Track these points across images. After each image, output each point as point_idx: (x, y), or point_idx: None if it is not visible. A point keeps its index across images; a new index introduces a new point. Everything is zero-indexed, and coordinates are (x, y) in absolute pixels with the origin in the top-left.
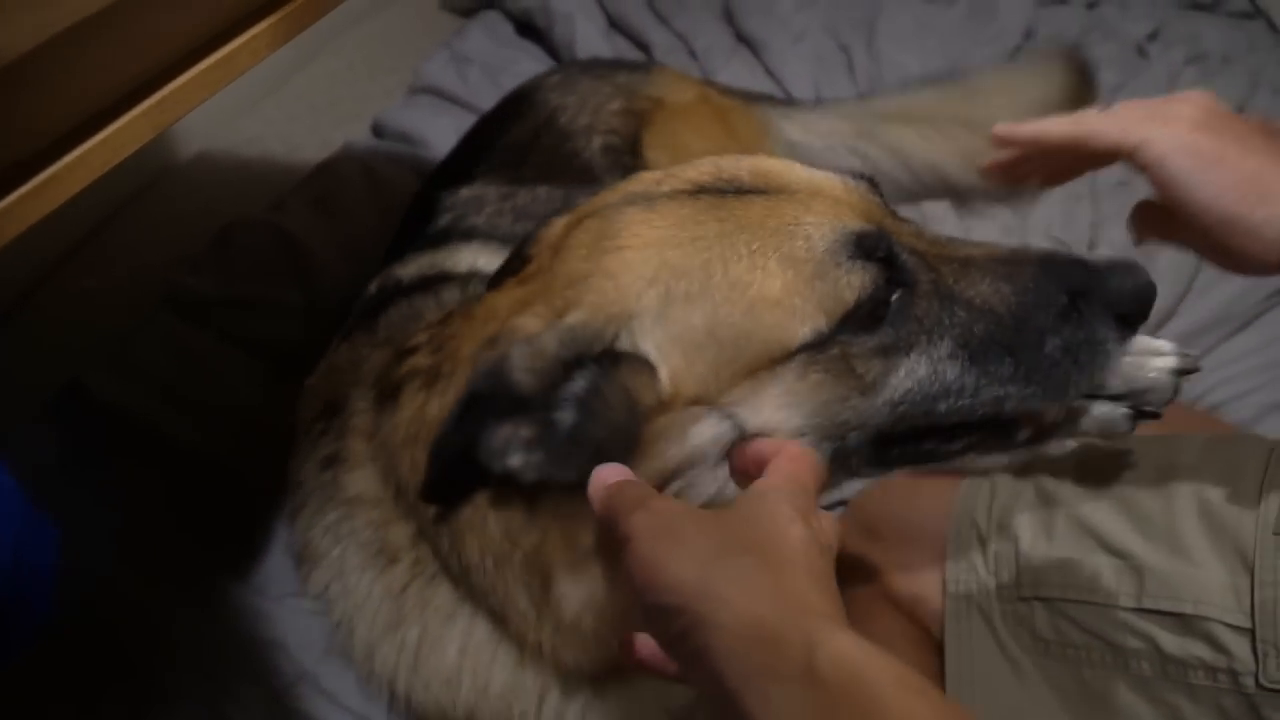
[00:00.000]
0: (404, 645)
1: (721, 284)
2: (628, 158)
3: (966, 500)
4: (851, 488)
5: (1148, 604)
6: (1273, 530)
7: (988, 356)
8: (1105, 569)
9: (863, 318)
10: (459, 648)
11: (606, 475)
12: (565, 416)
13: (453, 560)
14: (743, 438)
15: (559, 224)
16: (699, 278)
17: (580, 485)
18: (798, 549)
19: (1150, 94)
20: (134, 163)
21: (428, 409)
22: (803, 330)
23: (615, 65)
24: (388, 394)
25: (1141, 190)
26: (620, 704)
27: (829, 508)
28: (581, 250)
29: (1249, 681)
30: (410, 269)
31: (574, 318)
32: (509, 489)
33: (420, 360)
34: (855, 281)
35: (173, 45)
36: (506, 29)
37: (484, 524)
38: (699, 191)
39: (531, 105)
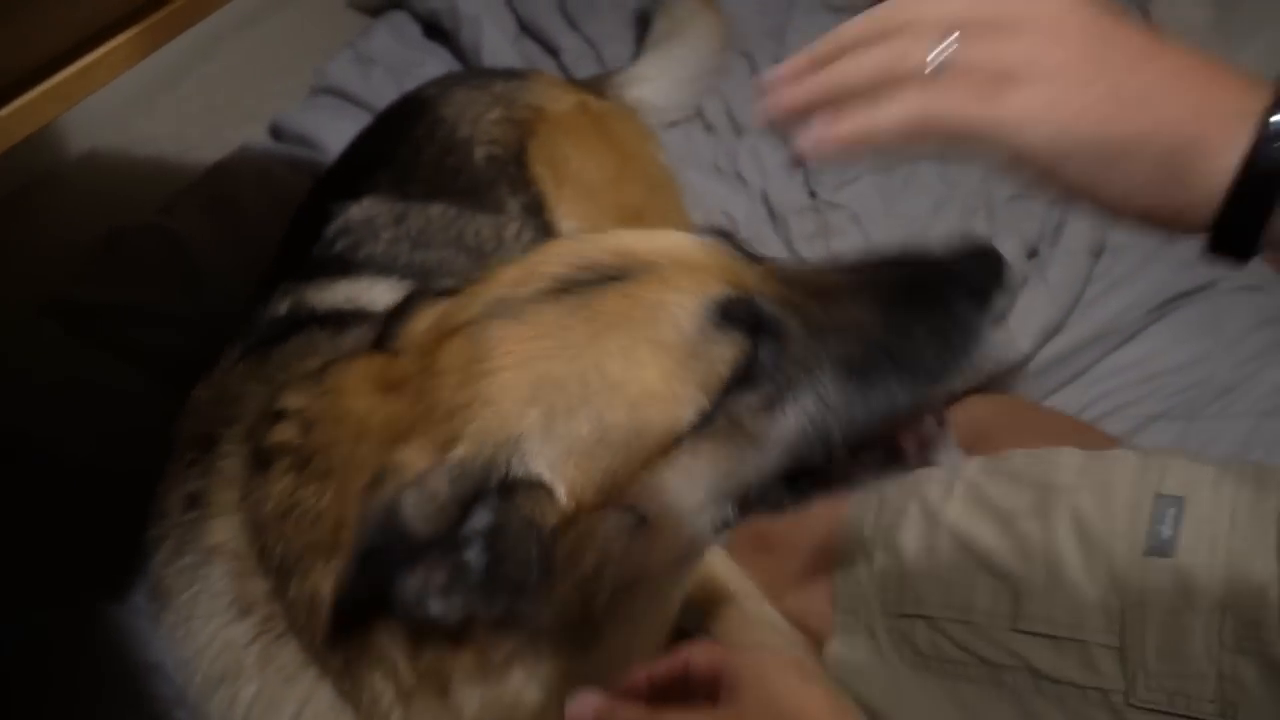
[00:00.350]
0: (236, 700)
1: (601, 389)
2: (513, 168)
3: (854, 516)
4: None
5: (1024, 626)
6: (1142, 552)
7: (868, 369)
8: (984, 589)
9: (740, 382)
10: (294, 713)
11: (587, 704)
12: (475, 556)
13: (306, 636)
14: (643, 524)
15: (425, 319)
16: (577, 388)
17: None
18: (825, 710)
19: None
20: (17, 161)
21: (300, 494)
22: (687, 414)
23: (492, 74)
24: (259, 459)
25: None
26: None
27: None
28: (454, 376)
29: (1119, 699)
30: (325, 297)
31: (459, 453)
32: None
33: (289, 434)
34: (727, 354)
35: (24, 57)
36: (414, 30)
37: (388, 653)
38: (562, 290)
39: (413, 118)
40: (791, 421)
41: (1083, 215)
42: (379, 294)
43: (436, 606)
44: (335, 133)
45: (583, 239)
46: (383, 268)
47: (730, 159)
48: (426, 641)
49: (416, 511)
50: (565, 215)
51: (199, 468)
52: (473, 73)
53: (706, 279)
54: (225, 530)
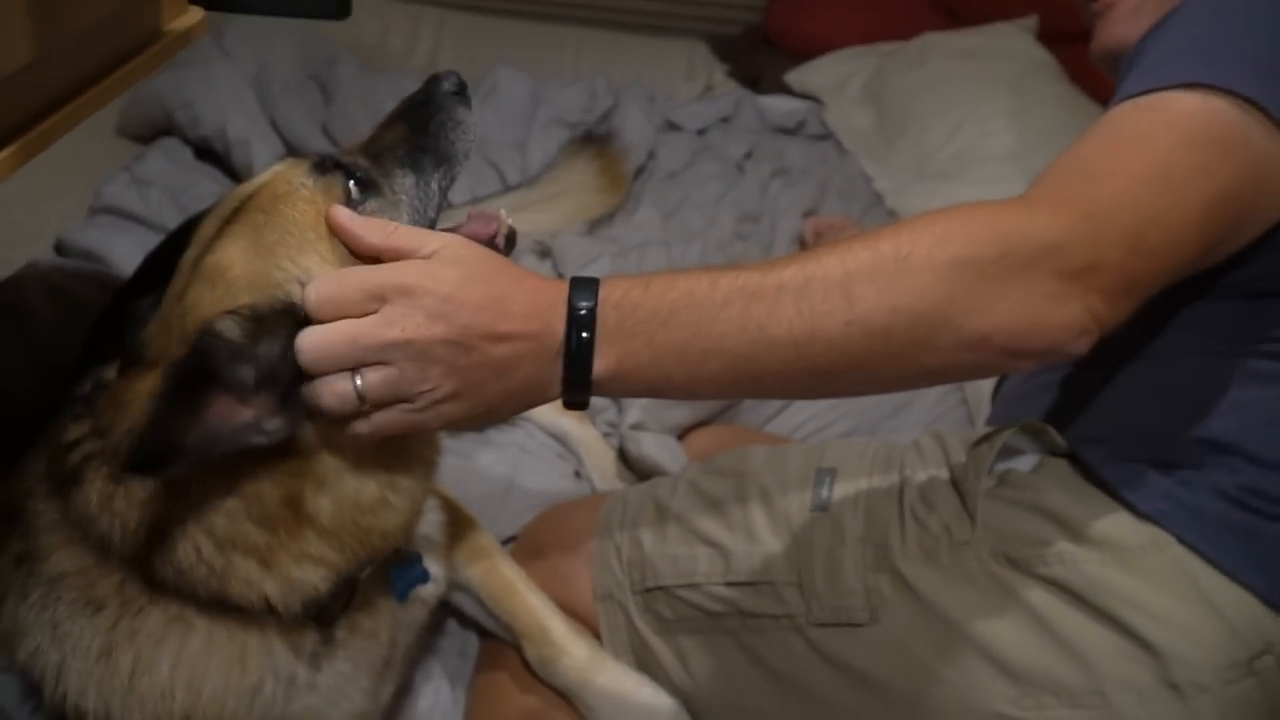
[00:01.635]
0: (117, 670)
1: (296, 237)
2: None
3: (605, 519)
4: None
5: (733, 579)
6: (809, 510)
7: (417, 159)
8: (702, 558)
9: (353, 201)
10: (171, 664)
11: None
12: (280, 362)
13: (166, 571)
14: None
15: (153, 323)
16: (285, 241)
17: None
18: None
19: (746, 201)
20: None
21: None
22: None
23: None
24: (68, 481)
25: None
26: (333, 685)
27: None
28: (207, 290)
29: (802, 621)
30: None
31: (244, 301)
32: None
33: (89, 447)
34: (335, 186)
35: None
36: (185, 153)
37: (201, 518)
38: (233, 216)
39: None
40: (407, 206)
41: None
42: None
43: (270, 424)
44: (119, 247)
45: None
46: None
47: None
48: (262, 481)
49: (230, 326)
50: None
51: (15, 535)
52: None
53: (295, 168)
54: (61, 562)
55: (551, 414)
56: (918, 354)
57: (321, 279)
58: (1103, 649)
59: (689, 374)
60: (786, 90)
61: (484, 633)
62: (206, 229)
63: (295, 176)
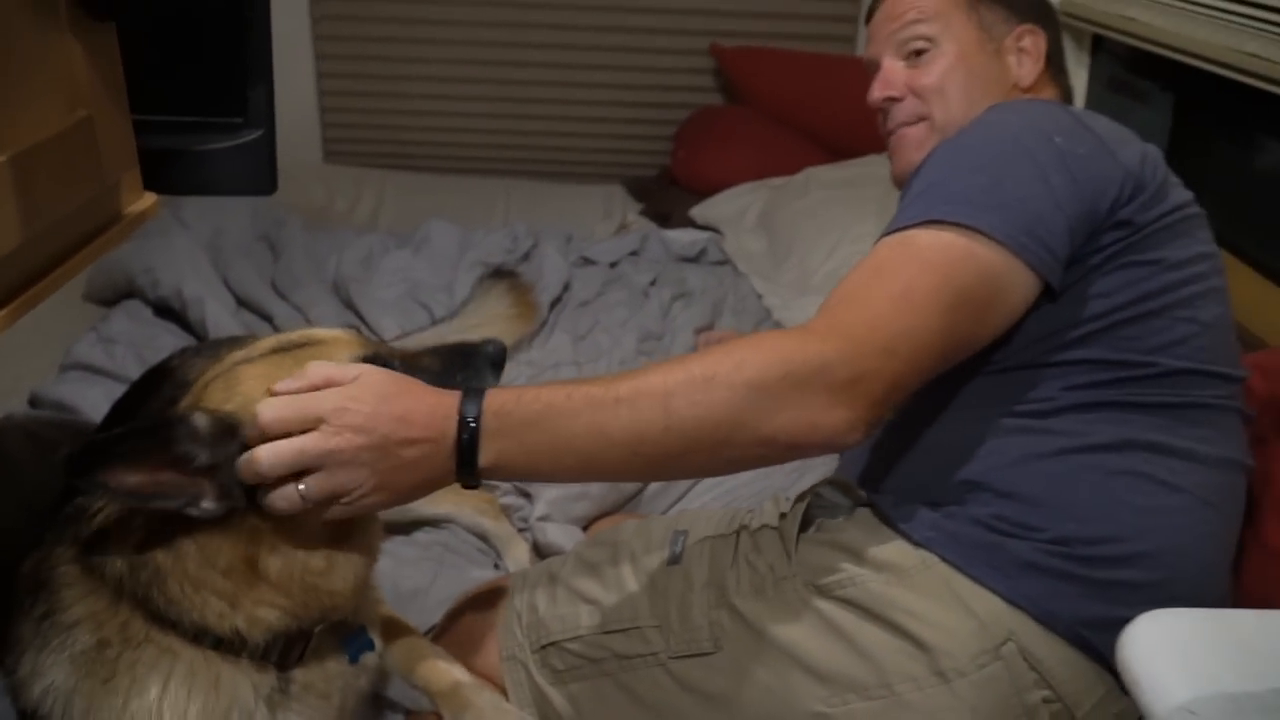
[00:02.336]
0: (115, 693)
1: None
2: None
3: (512, 589)
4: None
5: (609, 628)
6: (665, 564)
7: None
8: (584, 614)
9: None
10: (159, 690)
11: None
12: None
13: (160, 602)
14: None
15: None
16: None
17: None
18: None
19: (650, 322)
20: None
21: (133, 524)
22: None
23: (220, 343)
24: (91, 539)
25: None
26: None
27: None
28: (221, 388)
29: (664, 656)
30: None
31: (229, 408)
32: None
33: (111, 510)
34: None
35: None
36: (146, 313)
37: (184, 562)
38: (274, 350)
39: (161, 380)
40: None
41: None
42: None
43: (209, 503)
44: (87, 398)
45: (288, 333)
46: None
47: None
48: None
49: (199, 419)
50: None
51: (41, 599)
52: (207, 344)
53: (353, 346)
54: (79, 610)
55: (473, 515)
56: (720, 450)
57: (272, 403)
58: (887, 650)
59: (551, 465)
60: (691, 223)
61: (410, 714)
62: (266, 342)
63: (339, 352)
